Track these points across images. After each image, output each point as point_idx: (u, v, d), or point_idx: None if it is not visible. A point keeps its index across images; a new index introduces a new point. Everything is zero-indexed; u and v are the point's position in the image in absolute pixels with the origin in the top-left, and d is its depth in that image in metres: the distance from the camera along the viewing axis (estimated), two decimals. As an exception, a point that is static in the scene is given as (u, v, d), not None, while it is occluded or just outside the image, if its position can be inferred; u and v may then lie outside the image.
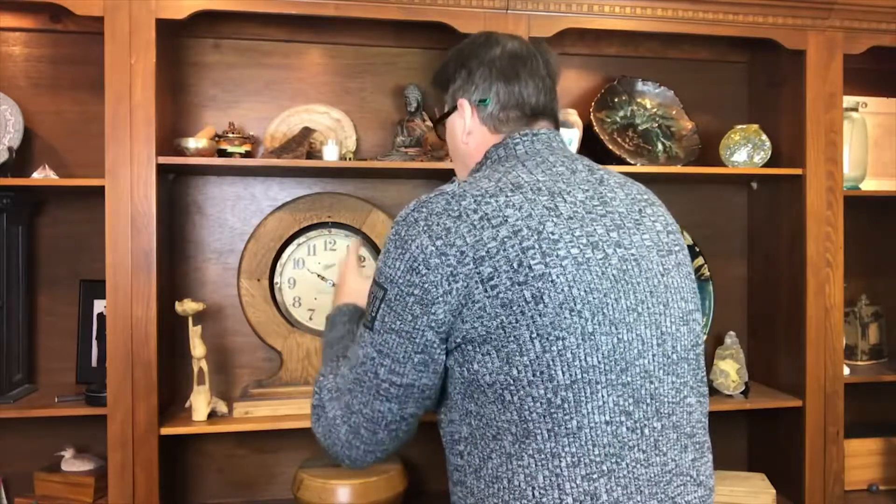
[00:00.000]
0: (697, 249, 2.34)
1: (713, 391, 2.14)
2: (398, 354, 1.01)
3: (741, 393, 2.15)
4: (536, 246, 0.96)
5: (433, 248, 0.97)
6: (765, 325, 2.33)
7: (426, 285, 0.97)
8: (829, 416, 2.12)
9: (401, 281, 0.99)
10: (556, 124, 1.20)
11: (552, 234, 0.97)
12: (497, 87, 1.15)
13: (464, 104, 1.18)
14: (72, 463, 1.91)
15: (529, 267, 0.95)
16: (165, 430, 1.80)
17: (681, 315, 1.05)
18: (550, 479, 0.95)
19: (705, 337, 2.27)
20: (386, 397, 1.03)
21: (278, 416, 1.89)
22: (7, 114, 1.90)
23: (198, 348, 1.86)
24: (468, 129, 1.18)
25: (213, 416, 1.88)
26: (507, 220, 0.97)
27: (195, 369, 1.86)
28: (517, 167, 1.07)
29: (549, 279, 0.95)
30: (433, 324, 0.98)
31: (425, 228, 0.99)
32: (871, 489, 2.29)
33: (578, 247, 0.98)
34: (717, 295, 2.35)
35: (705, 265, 2.34)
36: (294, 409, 1.91)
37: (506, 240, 0.96)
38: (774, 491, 2.07)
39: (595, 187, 1.07)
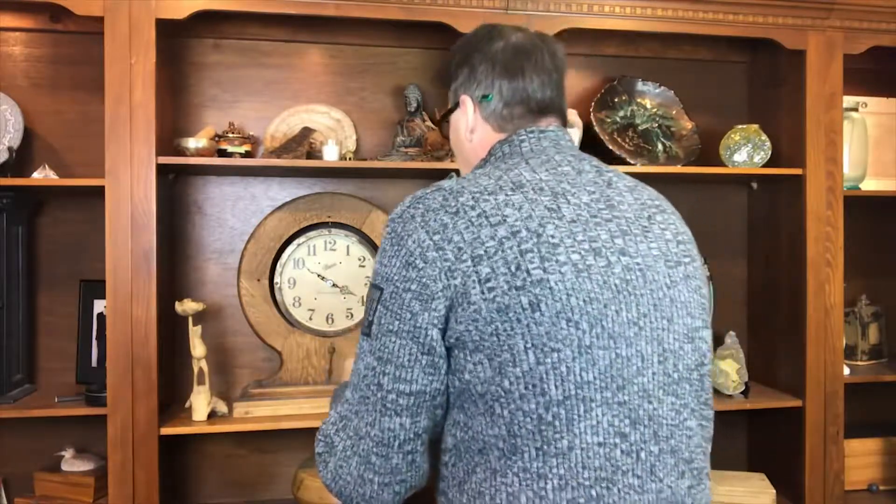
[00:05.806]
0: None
1: (713, 391, 2.14)
2: (401, 359, 0.93)
3: (741, 393, 2.15)
4: (535, 249, 0.90)
5: (430, 242, 0.92)
6: (765, 325, 2.33)
7: (424, 279, 0.92)
8: (829, 416, 2.12)
9: (396, 278, 0.93)
10: (564, 120, 1.14)
11: (552, 237, 0.91)
12: (500, 83, 1.09)
13: (466, 101, 1.12)
14: (72, 463, 1.91)
15: (528, 271, 0.89)
16: (165, 430, 1.80)
17: (685, 332, 0.99)
18: (534, 501, 0.89)
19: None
20: (395, 411, 0.93)
21: (278, 416, 1.89)
22: (7, 114, 1.90)
23: (198, 348, 1.86)
24: (471, 127, 1.12)
25: (213, 416, 1.88)
26: (505, 220, 0.92)
27: (195, 369, 1.86)
28: (520, 165, 1.01)
29: (547, 286, 0.89)
30: (435, 321, 0.92)
31: (422, 224, 0.94)
32: (871, 489, 2.30)
33: (580, 252, 0.92)
34: (717, 295, 2.35)
35: (705, 265, 2.34)
36: (294, 409, 1.91)
37: (504, 240, 0.90)
38: (774, 491, 2.07)
39: (602, 190, 1.01)
